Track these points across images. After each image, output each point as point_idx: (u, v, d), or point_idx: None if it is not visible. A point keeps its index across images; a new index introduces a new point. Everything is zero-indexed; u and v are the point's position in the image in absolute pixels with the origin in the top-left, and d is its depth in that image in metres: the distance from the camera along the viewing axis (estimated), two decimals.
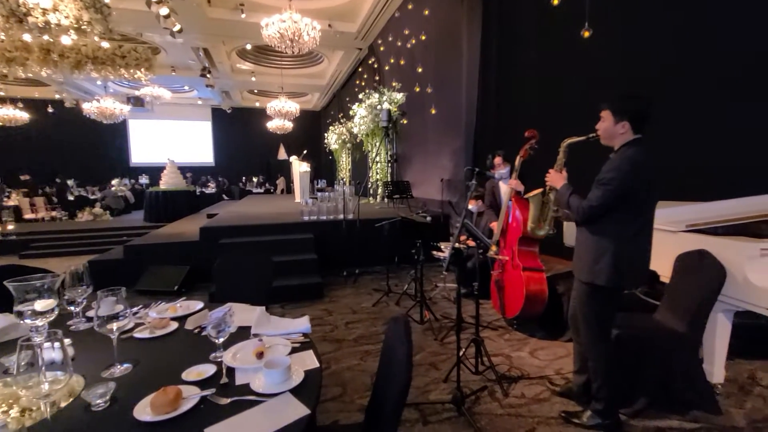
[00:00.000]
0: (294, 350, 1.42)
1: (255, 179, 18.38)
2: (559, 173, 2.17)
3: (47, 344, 1.07)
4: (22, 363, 1.07)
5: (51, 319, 1.11)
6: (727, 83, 3.42)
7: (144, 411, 1.04)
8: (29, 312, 1.07)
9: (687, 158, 3.60)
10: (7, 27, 6.45)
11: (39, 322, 1.08)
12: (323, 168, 17.48)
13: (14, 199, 9.94)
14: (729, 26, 3.41)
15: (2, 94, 13.63)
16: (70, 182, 14.50)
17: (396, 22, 8.70)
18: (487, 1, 6.00)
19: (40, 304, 1.09)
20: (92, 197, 12.44)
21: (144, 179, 16.96)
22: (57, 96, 14.56)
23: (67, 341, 1.38)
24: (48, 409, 0.98)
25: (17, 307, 1.07)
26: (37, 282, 1.10)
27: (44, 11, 6.45)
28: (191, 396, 1.10)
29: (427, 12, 7.41)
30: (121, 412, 1.05)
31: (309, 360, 1.35)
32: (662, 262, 2.68)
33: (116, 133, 17.00)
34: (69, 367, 0.96)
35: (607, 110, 1.97)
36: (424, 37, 7.61)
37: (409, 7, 7.97)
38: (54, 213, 10.09)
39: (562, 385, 2.54)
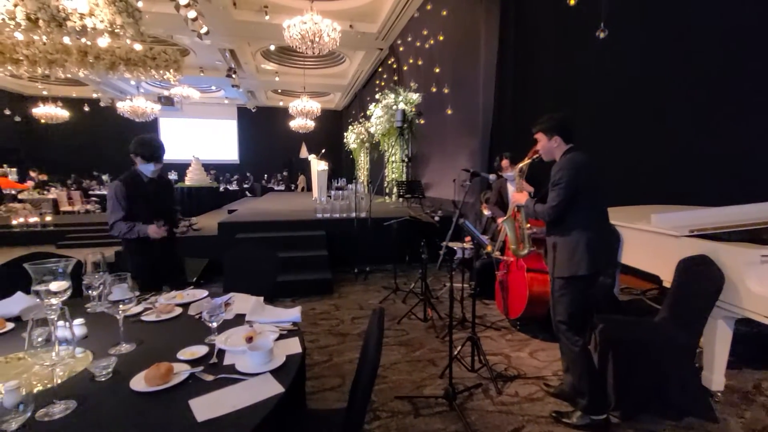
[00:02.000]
0: (281, 337, 1.53)
1: (278, 176, 18.82)
2: (519, 193, 2.46)
3: (59, 322, 1.23)
4: (39, 338, 1.23)
5: (64, 298, 1.26)
6: (751, 81, 3.31)
7: (139, 383, 1.17)
8: (44, 291, 1.22)
9: (713, 154, 3.52)
10: (48, 31, 6.89)
11: (54, 301, 1.23)
12: (343, 167, 17.70)
13: (53, 192, 10.60)
14: (747, 23, 3.30)
15: (45, 93, 14.55)
16: (104, 177, 15.28)
17: (415, 23, 8.75)
18: (504, 2, 5.98)
19: (54, 285, 1.24)
20: None
21: (173, 175, 17.63)
22: (94, 95, 15.38)
23: (80, 321, 1.55)
24: (56, 378, 1.12)
25: (34, 287, 1.23)
26: (53, 265, 1.25)
27: (81, 16, 6.86)
28: (182, 372, 1.23)
29: (445, 12, 7.43)
30: (120, 383, 1.19)
31: (293, 346, 1.46)
32: (664, 267, 2.66)
33: (148, 131, 17.72)
34: (73, 341, 1.09)
35: (539, 132, 2.28)
36: (442, 38, 7.63)
37: (428, 7, 8.01)
38: (88, 206, 10.69)
39: (557, 386, 2.56)
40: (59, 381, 1.18)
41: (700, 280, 2.26)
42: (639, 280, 4.12)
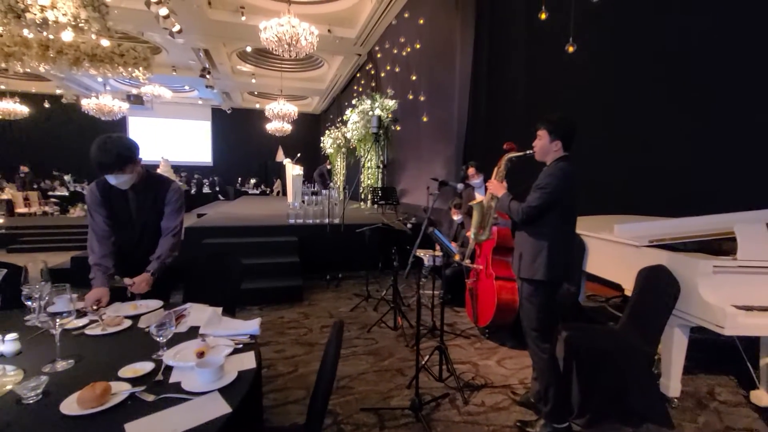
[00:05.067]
0: (236, 351, 1.46)
1: (252, 180, 18.47)
2: (500, 183, 2.36)
3: None
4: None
5: None
6: (715, 96, 3.47)
7: (70, 406, 1.08)
8: None
9: (677, 167, 3.66)
10: (5, 22, 6.53)
11: None
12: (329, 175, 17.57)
13: (8, 193, 9.99)
14: (713, 38, 3.46)
15: (2, 87, 13.76)
16: (66, 177, 14.57)
17: (393, 30, 8.81)
18: (479, 14, 6.09)
19: None
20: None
21: None
22: (57, 91, 14.67)
23: (14, 336, 1.43)
24: None
25: None
26: None
27: (42, 8, 6.53)
28: (121, 392, 1.14)
29: (422, 21, 7.51)
30: (50, 406, 1.09)
31: (247, 361, 1.39)
32: (626, 276, 2.73)
33: (115, 131, 17.03)
34: None
35: (543, 130, 2.20)
36: (418, 46, 7.70)
37: (406, 15, 8.08)
38: (46, 208, 10.12)
39: (522, 394, 2.58)
40: None
41: (658, 289, 2.33)
42: (604, 287, 4.23)
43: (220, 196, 15.72)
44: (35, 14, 6.47)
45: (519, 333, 3.42)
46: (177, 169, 15.43)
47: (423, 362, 2.57)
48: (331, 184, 8.86)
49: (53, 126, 15.73)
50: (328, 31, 9.44)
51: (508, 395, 2.62)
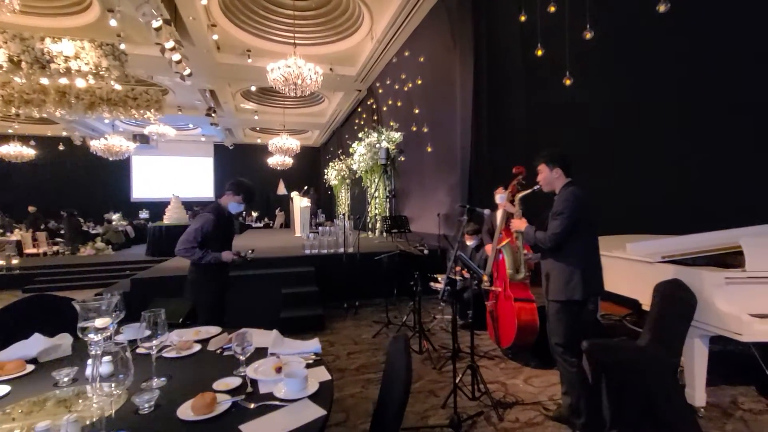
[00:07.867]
0: (308, 366, 1.60)
1: (254, 213, 18.68)
2: (519, 219, 2.62)
3: (105, 357, 1.27)
4: (66, 378, 1.29)
5: (107, 334, 1.31)
6: (708, 126, 3.77)
7: (186, 412, 1.22)
8: (91, 328, 1.26)
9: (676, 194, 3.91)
10: (30, 73, 6.88)
11: (97, 337, 1.28)
12: (322, 202, 17.84)
13: (17, 234, 10.08)
14: (703, 67, 3.79)
15: (11, 131, 14.12)
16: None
17: (393, 67, 9.31)
18: (477, 51, 6.52)
19: (99, 322, 1.29)
20: (93, 232, 12.57)
21: (144, 214, 17.13)
22: (64, 133, 15.06)
23: (109, 357, 1.57)
24: (112, 407, 1.15)
25: (81, 324, 1.27)
26: (97, 303, 1.31)
27: (66, 58, 6.90)
28: (224, 401, 1.28)
29: (422, 59, 8.00)
30: (167, 414, 1.23)
31: (321, 374, 1.53)
32: (642, 291, 2.90)
33: (119, 169, 17.37)
34: (130, 371, 1.14)
35: (542, 164, 2.49)
36: (420, 81, 8.15)
37: (406, 54, 8.58)
38: (57, 247, 10.20)
39: (555, 410, 2.67)
40: (105, 415, 1.21)
41: (676, 302, 2.49)
42: (616, 306, 4.37)
43: None
44: (59, 64, 6.84)
45: (541, 353, 3.55)
46: (190, 206, 15.62)
47: (458, 380, 2.67)
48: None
49: (61, 167, 16.02)
50: (330, 69, 9.93)
51: (540, 411, 2.71)
